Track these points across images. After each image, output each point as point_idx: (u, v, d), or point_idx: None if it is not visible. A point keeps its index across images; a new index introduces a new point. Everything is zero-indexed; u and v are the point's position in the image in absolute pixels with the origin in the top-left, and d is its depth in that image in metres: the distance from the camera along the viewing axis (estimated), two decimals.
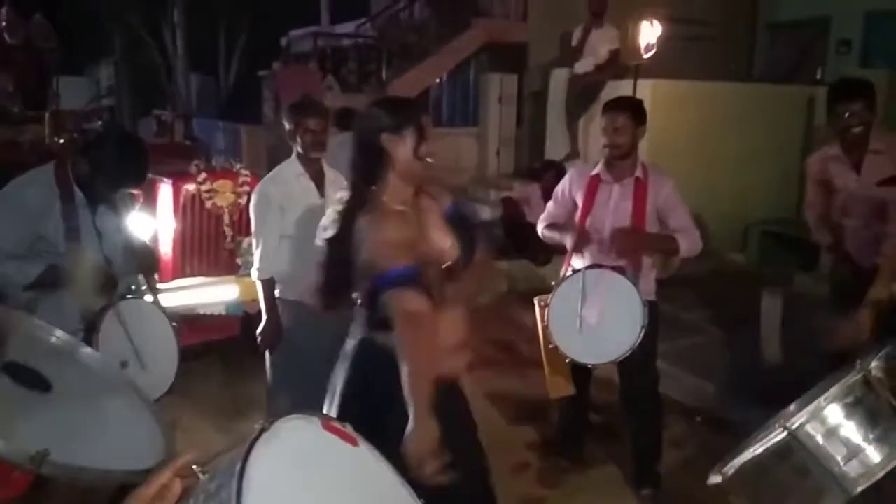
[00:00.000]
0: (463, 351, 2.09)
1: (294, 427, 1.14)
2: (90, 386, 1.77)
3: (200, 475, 1.03)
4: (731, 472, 1.73)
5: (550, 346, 2.97)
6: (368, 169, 2.00)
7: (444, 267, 2.03)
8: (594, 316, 2.89)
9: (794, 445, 1.66)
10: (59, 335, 1.82)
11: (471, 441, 2.19)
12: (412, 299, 1.86)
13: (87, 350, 1.86)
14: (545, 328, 3.00)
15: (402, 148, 1.95)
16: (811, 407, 1.67)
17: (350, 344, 2.14)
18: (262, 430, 1.05)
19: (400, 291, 1.87)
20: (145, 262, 2.78)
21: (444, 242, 2.07)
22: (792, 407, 2.04)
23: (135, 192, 3.92)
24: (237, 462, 0.96)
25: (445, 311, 2.00)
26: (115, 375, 1.90)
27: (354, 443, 1.24)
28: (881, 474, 1.63)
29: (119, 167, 2.44)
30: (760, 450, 1.71)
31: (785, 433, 1.66)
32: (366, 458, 1.25)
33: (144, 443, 1.60)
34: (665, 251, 3.16)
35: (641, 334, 2.79)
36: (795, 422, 1.66)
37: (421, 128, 1.96)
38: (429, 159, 1.98)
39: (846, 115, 3.02)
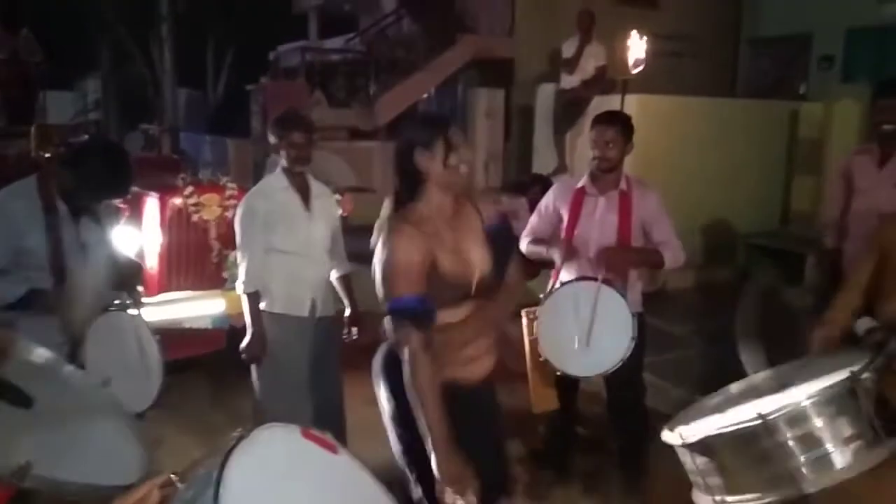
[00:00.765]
0: (482, 360, 2.15)
1: (272, 435, 1.14)
2: (72, 403, 1.76)
3: (178, 484, 1.03)
4: (691, 439, 1.75)
5: (540, 359, 2.96)
6: (407, 184, 2.08)
7: (475, 279, 2.06)
8: (584, 328, 2.89)
9: (764, 434, 1.67)
10: (41, 353, 1.80)
11: (494, 452, 2.20)
12: (411, 339, 1.92)
13: (70, 368, 1.85)
14: (533, 341, 3.00)
15: (433, 162, 2.02)
16: (790, 403, 1.68)
17: (381, 353, 2.19)
18: (241, 439, 1.05)
19: (401, 327, 1.93)
20: (129, 276, 2.77)
21: (477, 255, 2.10)
22: (764, 374, 2.08)
23: (121, 205, 3.93)
24: (214, 470, 0.96)
25: (472, 320, 2.05)
26: (97, 393, 1.89)
27: (334, 450, 1.24)
28: (840, 480, 1.65)
29: (103, 178, 2.43)
30: (730, 429, 1.72)
31: (759, 421, 1.67)
32: (346, 466, 1.25)
33: (126, 459, 1.59)
34: (650, 264, 3.19)
35: (632, 346, 2.80)
36: (773, 413, 1.67)
37: (448, 140, 2.03)
38: (463, 167, 2.06)
39: (886, 110, 3.14)
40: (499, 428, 2.30)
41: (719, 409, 1.96)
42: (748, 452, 1.70)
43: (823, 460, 1.64)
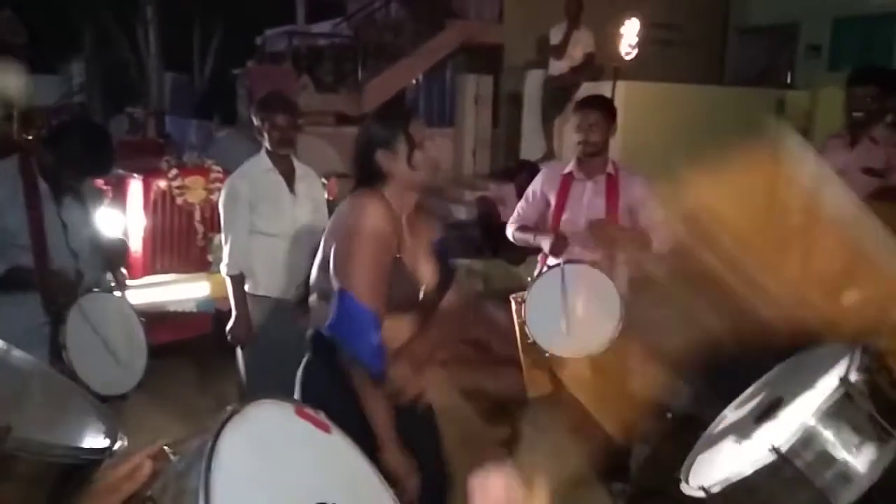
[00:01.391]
0: (420, 377, 2.01)
1: (265, 411, 1.13)
2: (30, 381, 1.73)
3: (171, 457, 1.02)
4: (715, 488, 1.74)
5: (529, 342, 2.97)
6: (369, 181, 1.97)
7: (421, 290, 2.00)
8: (571, 310, 2.90)
9: (782, 465, 1.66)
10: None
11: (435, 458, 2.15)
12: (365, 381, 1.86)
13: (18, 353, 1.81)
14: (521, 324, 3.00)
15: (396, 162, 1.92)
16: (798, 427, 1.68)
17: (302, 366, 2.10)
18: (233, 413, 1.05)
19: (355, 368, 1.86)
20: (115, 255, 2.74)
21: (426, 268, 2.03)
22: (753, 387, 2.06)
23: (104, 187, 3.89)
24: (207, 442, 0.96)
25: (412, 345, 1.98)
26: (51, 374, 1.85)
27: (327, 430, 1.22)
28: (868, 485, 1.65)
29: (84, 156, 2.40)
30: (750, 471, 1.71)
31: (775, 455, 1.66)
32: (338, 446, 1.24)
33: (98, 427, 1.57)
34: (638, 245, 3.18)
35: (619, 327, 2.81)
36: (785, 444, 1.66)
37: (411, 136, 1.92)
38: (430, 162, 1.96)
39: (855, 97, 3.25)
40: (434, 440, 2.19)
41: (727, 443, 1.93)
42: (774, 487, 1.68)
43: (846, 472, 1.64)
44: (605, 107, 3.11)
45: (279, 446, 1.12)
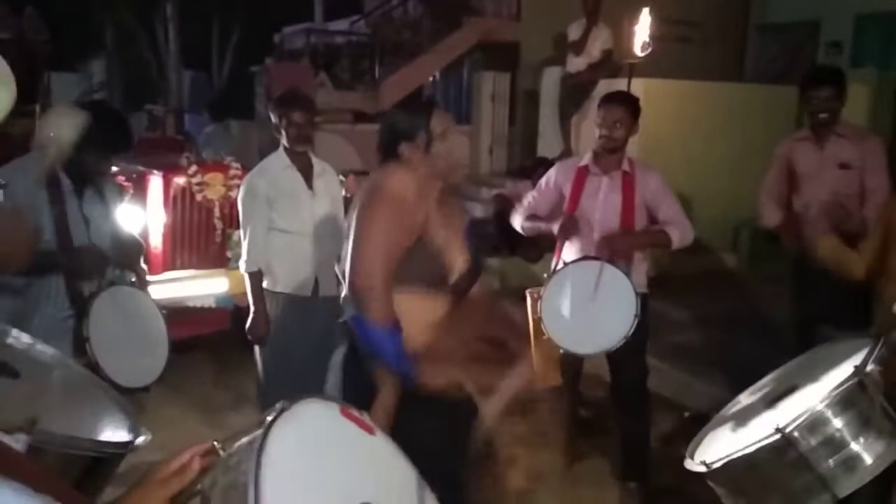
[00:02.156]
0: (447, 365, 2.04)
1: (313, 410, 1.15)
2: (53, 375, 1.75)
3: (221, 452, 1.04)
4: (717, 464, 1.73)
5: (544, 338, 2.96)
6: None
7: (452, 272, 2.02)
8: (588, 306, 2.88)
9: (786, 447, 1.65)
10: (14, 335, 1.79)
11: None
12: (388, 390, 1.89)
13: (43, 346, 1.83)
14: (537, 319, 2.98)
15: (417, 153, 1.98)
16: (806, 410, 1.67)
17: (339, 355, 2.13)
18: (283, 410, 1.06)
19: (382, 368, 1.90)
20: (132, 253, 2.77)
21: (456, 251, 2.05)
22: (770, 376, 2.05)
23: (125, 183, 3.93)
24: (257, 439, 0.98)
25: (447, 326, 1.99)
26: (74, 367, 1.88)
27: (371, 431, 1.24)
28: (869, 478, 1.64)
29: (104, 136, 2.40)
30: (752, 449, 1.70)
31: (779, 435, 1.66)
32: (381, 448, 1.25)
33: (120, 422, 1.59)
34: (657, 245, 3.17)
35: (635, 323, 2.79)
36: (790, 425, 1.65)
37: (431, 128, 1.98)
38: (452, 153, 2.02)
39: (816, 99, 3.35)
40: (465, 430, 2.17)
41: (734, 426, 1.93)
42: (775, 468, 1.68)
43: (850, 461, 1.63)
44: (630, 104, 3.10)
45: (326, 445, 1.14)
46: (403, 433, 1.82)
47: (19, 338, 1.75)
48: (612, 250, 2.96)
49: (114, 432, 1.48)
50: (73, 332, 2.33)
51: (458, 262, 2.05)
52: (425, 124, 1.98)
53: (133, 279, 2.82)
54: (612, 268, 2.90)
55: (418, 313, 1.93)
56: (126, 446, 1.38)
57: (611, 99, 3.12)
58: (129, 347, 2.41)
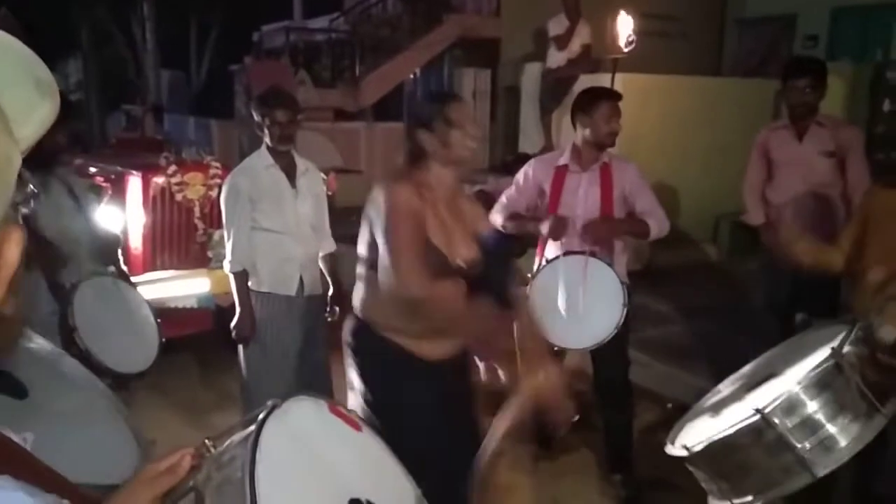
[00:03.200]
0: (445, 340, 2.17)
1: (303, 406, 1.18)
2: (68, 398, 1.73)
3: (212, 449, 1.05)
4: (698, 447, 1.75)
5: None
6: (411, 159, 2.16)
7: (454, 265, 2.09)
8: (577, 301, 2.91)
9: (765, 428, 1.68)
10: (40, 342, 1.78)
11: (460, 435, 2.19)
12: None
13: (70, 361, 1.81)
14: None
15: (433, 140, 2.11)
16: (783, 392, 1.69)
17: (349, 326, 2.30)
18: (274, 407, 1.08)
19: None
20: (110, 247, 2.76)
21: (463, 245, 2.14)
22: (751, 365, 2.08)
23: (103, 184, 3.89)
24: (251, 435, 0.99)
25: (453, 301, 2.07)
26: (94, 388, 1.86)
27: (358, 428, 1.27)
28: (847, 457, 1.66)
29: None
30: (730, 431, 1.72)
31: (758, 416, 1.68)
32: (368, 443, 1.28)
33: (121, 457, 1.58)
34: (636, 233, 3.19)
35: (624, 313, 2.83)
36: (768, 406, 1.67)
37: (448, 117, 2.09)
38: (468, 143, 2.12)
39: (795, 89, 3.38)
40: (469, 408, 2.27)
41: (716, 411, 1.96)
42: (755, 449, 1.70)
43: (828, 441, 1.66)
44: (619, 98, 3.15)
45: (316, 441, 1.16)
46: (395, 408, 1.87)
47: (44, 346, 1.74)
48: (594, 237, 2.99)
49: (113, 466, 1.46)
50: (60, 324, 2.32)
51: (461, 251, 2.13)
52: (441, 112, 2.10)
53: (112, 271, 2.81)
54: (596, 260, 2.93)
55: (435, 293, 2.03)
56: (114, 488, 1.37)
57: (613, 95, 3.15)
58: (117, 335, 2.43)
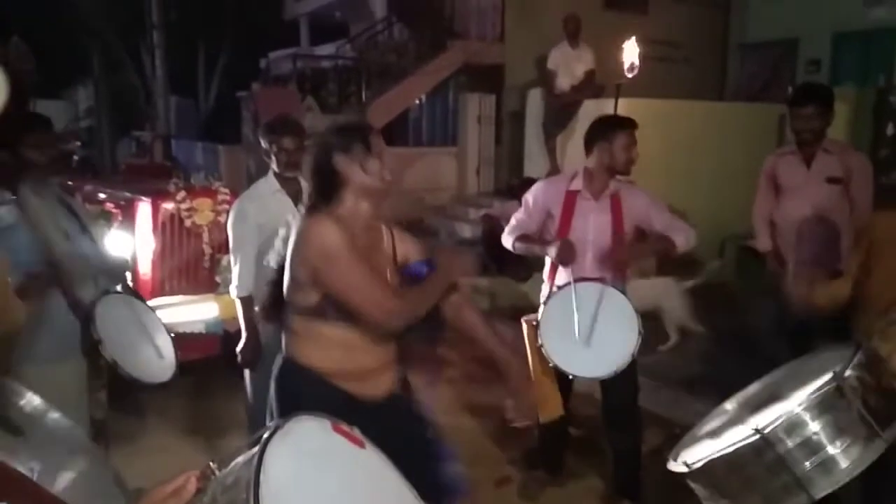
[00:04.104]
0: (381, 374, 2.13)
1: (306, 427, 1.18)
2: (55, 447, 1.75)
3: (216, 472, 1.05)
4: (698, 465, 1.76)
5: (550, 366, 2.90)
6: (323, 188, 2.07)
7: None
8: (590, 330, 2.87)
9: (765, 447, 1.69)
10: (28, 399, 1.80)
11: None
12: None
13: (55, 416, 1.83)
14: (539, 348, 2.92)
15: (352, 166, 2.03)
16: (784, 413, 1.70)
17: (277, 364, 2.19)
18: (277, 428, 1.09)
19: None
20: (117, 270, 2.80)
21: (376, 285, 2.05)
22: (754, 386, 2.09)
23: (113, 210, 3.93)
24: (254, 456, 1.00)
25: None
26: (80, 442, 1.88)
27: (361, 445, 1.27)
28: (846, 480, 1.67)
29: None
30: (731, 449, 1.74)
31: (757, 436, 1.69)
32: (372, 460, 1.28)
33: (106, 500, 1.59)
34: (662, 251, 3.16)
35: (639, 341, 2.82)
36: (769, 426, 1.69)
37: (368, 145, 2.03)
38: (384, 174, 2.06)
39: (802, 115, 3.39)
40: (420, 441, 2.17)
41: (718, 430, 1.97)
42: (754, 469, 1.71)
43: (827, 463, 1.66)
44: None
45: (320, 460, 1.16)
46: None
47: (32, 402, 1.76)
48: (617, 262, 2.99)
49: None
50: (81, 338, 2.36)
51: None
52: (361, 138, 2.04)
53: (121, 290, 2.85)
54: (609, 287, 2.92)
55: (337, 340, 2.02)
56: None
57: (631, 124, 3.13)
58: (138, 347, 2.47)
